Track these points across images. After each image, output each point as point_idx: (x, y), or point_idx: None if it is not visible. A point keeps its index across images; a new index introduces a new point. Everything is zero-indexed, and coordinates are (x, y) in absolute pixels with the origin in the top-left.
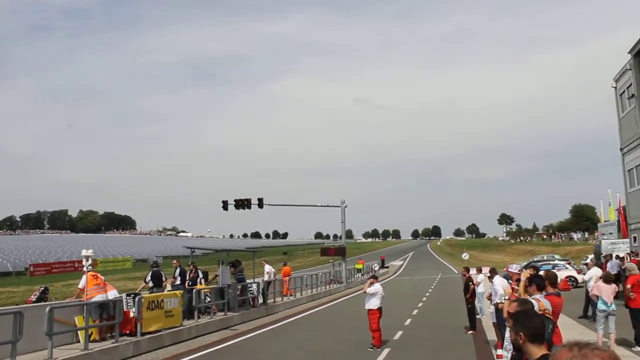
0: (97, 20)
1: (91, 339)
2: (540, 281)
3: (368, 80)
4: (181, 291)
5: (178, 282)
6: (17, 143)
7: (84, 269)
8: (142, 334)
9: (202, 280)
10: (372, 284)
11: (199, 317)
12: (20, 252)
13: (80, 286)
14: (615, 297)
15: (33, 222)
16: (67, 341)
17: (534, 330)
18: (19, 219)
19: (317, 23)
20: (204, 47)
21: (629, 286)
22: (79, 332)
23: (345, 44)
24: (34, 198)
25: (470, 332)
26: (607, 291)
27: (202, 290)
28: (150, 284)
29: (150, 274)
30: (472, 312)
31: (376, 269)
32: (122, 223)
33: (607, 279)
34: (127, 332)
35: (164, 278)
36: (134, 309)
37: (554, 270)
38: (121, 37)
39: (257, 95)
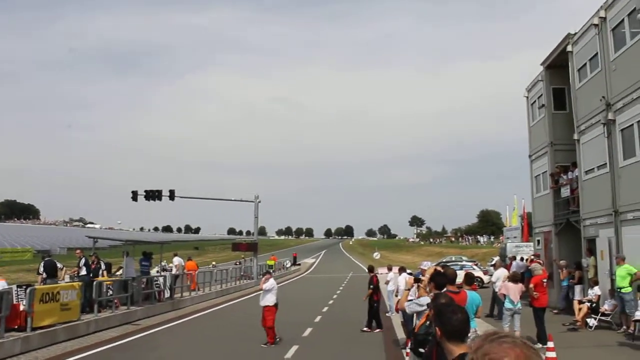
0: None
1: None
2: (441, 279)
3: (289, 79)
4: (79, 283)
5: (84, 272)
6: None
7: None
8: (33, 329)
9: (104, 272)
10: (267, 279)
11: (99, 311)
12: None
13: None
14: (521, 297)
15: None
16: None
17: (449, 327)
18: None
19: (241, 18)
20: (123, 35)
21: (532, 286)
22: None
23: (270, 42)
24: None
25: (373, 330)
26: (514, 290)
27: (104, 283)
28: (44, 275)
29: (42, 264)
30: (377, 311)
31: (288, 265)
32: (25, 212)
33: (514, 278)
34: (16, 326)
35: (59, 266)
36: (24, 302)
37: (461, 270)
38: (36, 19)
39: (176, 86)
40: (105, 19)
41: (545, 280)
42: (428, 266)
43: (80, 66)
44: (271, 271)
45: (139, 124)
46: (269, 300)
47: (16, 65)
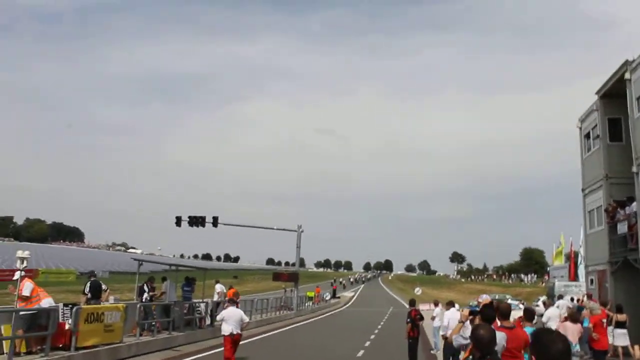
0: (65, 27)
1: (17, 351)
2: (489, 312)
3: (334, 110)
4: (124, 305)
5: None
6: None
7: (19, 273)
8: (77, 349)
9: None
10: (225, 308)
11: (141, 335)
12: None
13: (26, 293)
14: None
15: None
16: None
17: (547, 357)
18: None
19: (286, 49)
20: (169, 64)
21: (591, 326)
22: (3, 342)
23: (313, 72)
24: None
25: None
26: (572, 331)
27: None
28: (89, 295)
29: (88, 284)
30: (412, 348)
31: (327, 298)
32: (70, 235)
33: (573, 318)
34: (60, 345)
35: (103, 287)
36: (70, 321)
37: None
38: (84, 46)
39: (220, 115)
40: (151, 48)
41: (604, 320)
42: (485, 299)
43: (125, 92)
44: (237, 300)
45: (179, 151)
46: (224, 329)
47: (62, 91)
